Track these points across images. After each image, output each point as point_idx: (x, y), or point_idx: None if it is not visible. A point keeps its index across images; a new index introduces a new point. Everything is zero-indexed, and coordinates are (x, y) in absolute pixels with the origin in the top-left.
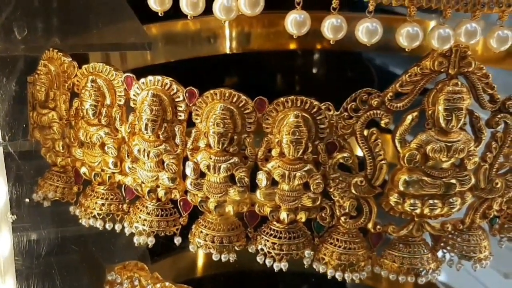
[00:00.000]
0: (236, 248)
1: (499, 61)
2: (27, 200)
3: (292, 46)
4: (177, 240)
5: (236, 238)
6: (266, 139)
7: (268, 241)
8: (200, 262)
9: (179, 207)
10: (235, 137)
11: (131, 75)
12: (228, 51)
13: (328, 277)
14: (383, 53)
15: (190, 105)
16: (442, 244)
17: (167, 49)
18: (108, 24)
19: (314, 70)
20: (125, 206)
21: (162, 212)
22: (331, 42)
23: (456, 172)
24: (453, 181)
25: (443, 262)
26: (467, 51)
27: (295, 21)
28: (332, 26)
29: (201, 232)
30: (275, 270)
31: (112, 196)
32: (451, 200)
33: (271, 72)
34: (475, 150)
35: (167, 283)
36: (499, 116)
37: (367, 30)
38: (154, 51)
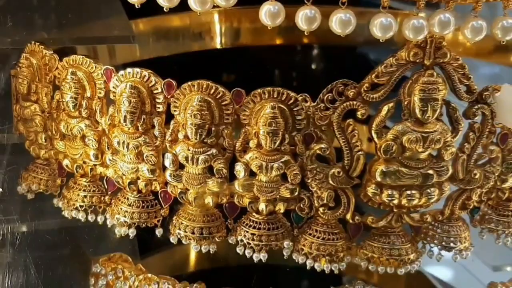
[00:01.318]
0: (216, 239)
1: (490, 53)
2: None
3: (280, 41)
4: (159, 232)
5: (216, 229)
6: (243, 130)
7: (247, 232)
8: (193, 256)
9: (160, 198)
10: (213, 128)
11: (110, 67)
12: (218, 46)
13: (307, 267)
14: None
15: (168, 96)
16: (422, 235)
17: (157, 44)
18: (95, 18)
19: (309, 65)
20: (107, 198)
21: (143, 204)
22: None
23: (433, 163)
24: (431, 171)
25: (423, 253)
26: (442, 41)
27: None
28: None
29: (181, 223)
30: (255, 261)
31: (94, 188)
32: (428, 190)
33: (262, 67)
34: (452, 140)
35: (149, 275)
36: (476, 107)
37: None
38: (144, 46)
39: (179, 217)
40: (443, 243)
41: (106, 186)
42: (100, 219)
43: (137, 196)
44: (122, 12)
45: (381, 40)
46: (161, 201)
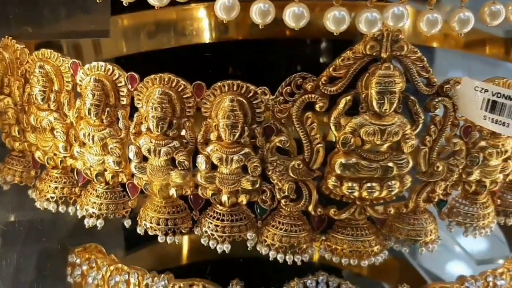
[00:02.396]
0: (182, 230)
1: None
2: None
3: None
4: (127, 223)
5: (181, 220)
6: (205, 123)
7: (211, 223)
8: (185, 250)
9: (128, 190)
10: (174, 121)
11: (77, 61)
12: (205, 41)
13: (270, 259)
14: None
15: (132, 90)
16: (388, 228)
17: (144, 39)
18: (81, 12)
19: (298, 58)
20: (77, 189)
21: (111, 195)
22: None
23: (393, 156)
24: (390, 164)
25: (388, 245)
26: (399, 34)
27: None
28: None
29: (147, 214)
30: (219, 252)
31: (65, 180)
32: (389, 183)
33: (251, 60)
34: (411, 133)
35: (119, 265)
36: (437, 99)
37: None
38: (130, 42)
39: (145, 209)
40: (408, 235)
41: (76, 178)
42: (71, 210)
43: (105, 187)
44: (106, 7)
45: (335, 34)
46: (129, 193)
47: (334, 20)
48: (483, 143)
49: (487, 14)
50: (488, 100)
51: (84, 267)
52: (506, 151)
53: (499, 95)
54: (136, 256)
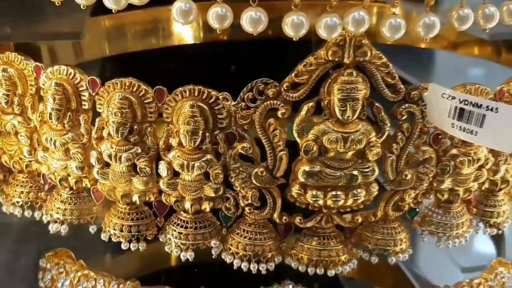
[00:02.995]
0: (148, 237)
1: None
2: None
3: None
4: (92, 229)
5: (146, 227)
6: (166, 128)
7: (175, 230)
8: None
9: (92, 195)
10: (135, 126)
11: (40, 64)
12: (190, 42)
13: (234, 267)
14: None
15: (93, 94)
16: (357, 236)
17: (125, 40)
18: (60, 14)
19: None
20: (43, 194)
21: (76, 201)
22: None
23: (358, 164)
24: (355, 172)
25: (358, 255)
26: (362, 40)
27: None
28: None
29: (111, 221)
30: (183, 260)
31: (31, 184)
32: (355, 191)
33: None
34: (376, 141)
35: (86, 271)
36: (403, 106)
37: (251, 19)
38: (112, 43)
39: (110, 215)
40: (377, 244)
41: (43, 182)
42: (37, 215)
43: (69, 193)
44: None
45: (294, 39)
46: (94, 198)
47: (292, 25)
48: (454, 151)
49: (454, 19)
50: (456, 107)
51: (54, 272)
52: (478, 159)
53: (466, 102)
54: (125, 258)
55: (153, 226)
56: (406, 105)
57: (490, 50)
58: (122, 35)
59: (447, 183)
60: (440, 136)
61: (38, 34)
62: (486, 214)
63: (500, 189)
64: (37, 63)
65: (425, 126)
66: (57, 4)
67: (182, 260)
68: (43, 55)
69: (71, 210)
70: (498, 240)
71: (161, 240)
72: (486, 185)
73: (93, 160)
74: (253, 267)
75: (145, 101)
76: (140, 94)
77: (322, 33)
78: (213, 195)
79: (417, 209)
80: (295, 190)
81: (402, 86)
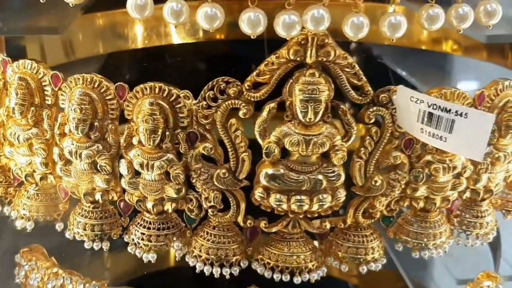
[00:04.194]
0: (112, 237)
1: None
2: None
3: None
4: (59, 226)
5: (109, 226)
6: (127, 126)
7: (138, 231)
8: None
9: (59, 192)
10: (96, 123)
11: (7, 58)
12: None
13: (197, 271)
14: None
15: (56, 89)
16: (328, 243)
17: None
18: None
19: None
20: (12, 189)
21: (42, 197)
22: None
23: (323, 168)
24: (320, 177)
25: (328, 262)
26: (325, 39)
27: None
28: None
29: (75, 219)
30: (145, 261)
31: (1, 179)
32: (320, 196)
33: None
34: (342, 144)
35: (56, 269)
36: (371, 109)
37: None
38: (106, 41)
39: (74, 213)
40: (348, 252)
41: (12, 178)
42: (6, 210)
43: (36, 189)
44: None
45: (252, 37)
46: (60, 195)
47: (249, 23)
48: (428, 158)
49: (424, 18)
50: (424, 111)
51: (27, 268)
52: (454, 167)
53: (435, 106)
54: (123, 256)
55: (118, 225)
56: (375, 108)
57: (497, 54)
58: (113, 33)
59: (422, 191)
60: (412, 141)
61: (15, 28)
62: (468, 225)
63: (483, 199)
64: (4, 57)
65: (396, 131)
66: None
67: (145, 262)
68: (29, 52)
69: (37, 207)
70: (494, 251)
71: (125, 240)
72: (468, 194)
73: (55, 157)
74: (216, 271)
75: (107, 98)
76: (102, 91)
77: (280, 31)
78: (175, 195)
79: (392, 217)
80: (258, 193)
81: (369, 88)
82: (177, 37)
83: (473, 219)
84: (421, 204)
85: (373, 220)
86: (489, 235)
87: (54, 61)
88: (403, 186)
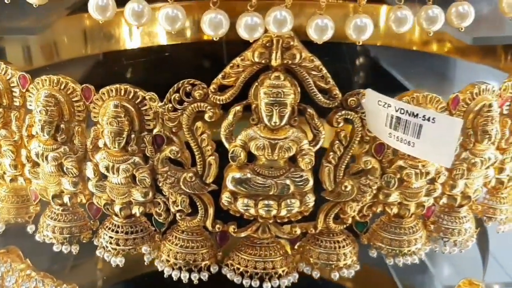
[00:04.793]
0: (82, 240)
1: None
2: None
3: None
4: (30, 228)
5: (79, 229)
6: (93, 128)
7: (106, 235)
8: None
9: (29, 194)
10: (62, 125)
11: None
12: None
13: (165, 276)
14: None
15: (24, 91)
16: (300, 249)
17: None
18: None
19: None
20: None
21: (13, 199)
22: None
23: (291, 172)
24: (287, 181)
25: (300, 268)
26: (290, 41)
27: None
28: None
29: (45, 222)
30: (113, 265)
31: None
32: (288, 201)
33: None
34: (310, 149)
35: (29, 271)
36: (340, 113)
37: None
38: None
39: (44, 216)
40: (319, 259)
41: None
42: None
43: (6, 191)
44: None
45: (214, 39)
46: (31, 197)
47: (211, 24)
48: (400, 163)
49: (392, 20)
50: (392, 116)
51: (3, 270)
52: (428, 173)
53: (402, 111)
54: None
55: (87, 229)
56: (343, 112)
57: (490, 56)
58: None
59: (395, 197)
60: (383, 146)
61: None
62: (445, 232)
63: (461, 205)
64: None
65: (366, 135)
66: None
67: (113, 265)
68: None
69: (8, 209)
70: (483, 257)
71: (95, 243)
72: (444, 200)
73: (23, 159)
74: (184, 276)
75: (73, 99)
76: (68, 92)
77: (243, 33)
78: (142, 199)
79: (366, 223)
80: (225, 198)
81: (337, 91)
82: (165, 38)
83: (450, 225)
84: (395, 210)
85: (345, 226)
86: (468, 242)
87: (40, 63)
88: (374, 192)
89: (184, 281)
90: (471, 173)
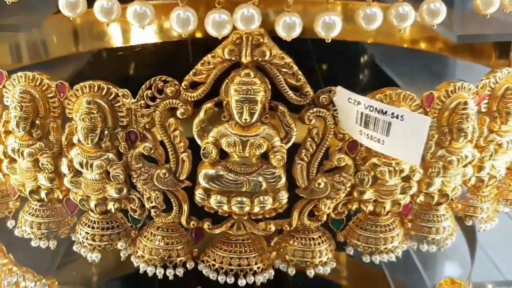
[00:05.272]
0: (60, 236)
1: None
2: None
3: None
4: (10, 223)
5: (56, 225)
6: (68, 125)
7: (83, 230)
8: None
9: (9, 189)
10: (38, 121)
11: None
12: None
13: (140, 271)
14: None
15: (0, 87)
16: (276, 246)
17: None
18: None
19: None
20: None
21: None
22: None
23: (263, 169)
24: (260, 178)
25: (277, 265)
26: (260, 39)
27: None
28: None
29: (23, 217)
30: (89, 261)
31: None
32: (261, 198)
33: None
34: (281, 146)
35: (11, 266)
36: (312, 110)
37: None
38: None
39: (23, 212)
40: (294, 256)
41: None
42: None
43: None
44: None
45: (183, 36)
46: (11, 193)
47: (178, 21)
48: (374, 160)
49: (361, 18)
50: (362, 113)
51: None
52: (402, 170)
53: (371, 108)
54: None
55: (65, 224)
56: (315, 109)
57: (480, 54)
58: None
59: (370, 194)
60: (357, 144)
61: None
62: (423, 230)
63: (439, 203)
64: None
65: (340, 132)
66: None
67: (89, 261)
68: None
69: None
70: (472, 255)
71: (73, 239)
72: (422, 198)
73: (0, 155)
74: (159, 272)
75: (48, 95)
76: (43, 89)
77: (211, 30)
78: (117, 195)
79: (342, 220)
80: (198, 194)
81: (309, 89)
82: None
83: (428, 223)
84: (370, 208)
85: (320, 223)
86: (447, 240)
87: (30, 60)
88: (348, 189)
89: (159, 277)
90: (448, 171)
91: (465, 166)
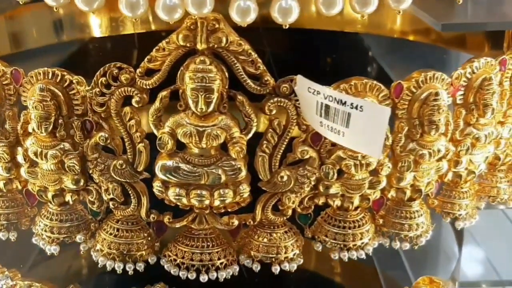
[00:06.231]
0: (21, 227)
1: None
2: None
3: None
4: None
5: (16, 216)
6: (23, 113)
7: (42, 222)
8: None
9: None
10: None
11: None
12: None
13: (99, 265)
14: None
15: None
16: (241, 241)
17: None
18: None
19: None
20: None
21: None
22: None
23: (222, 161)
24: (219, 171)
25: (242, 261)
26: (216, 24)
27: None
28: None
29: None
30: (48, 254)
31: None
32: (221, 191)
33: None
34: (241, 137)
35: None
36: (272, 100)
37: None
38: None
39: None
40: (258, 251)
41: None
42: None
43: None
44: None
45: (133, 20)
46: None
47: (128, 5)
48: (339, 153)
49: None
50: (322, 104)
51: None
52: (368, 164)
53: (331, 98)
54: None
55: (26, 216)
56: (276, 99)
57: (473, 44)
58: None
59: (336, 188)
60: (321, 135)
61: None
62: (395, 226)
63: (412, 199)
64: None
65: (303, 124)
66: None
67: (48, 254)
68: None
69: None
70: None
71: (33, 231)
72: (393, 194)
73: None
74: (118, 266)
75: (3, 83)
76: None
77: (161, 14)
78: (73, 186)
79: (309, 215)
80: (156, 186)
81: (269, 77)
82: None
83: (400, 220)
84: (338, 203)
85: (285, 218)
86: (422, 237)
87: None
88: (313, 183)
89: (118, 272)
90: (420, 166)
91: (438, 160)
